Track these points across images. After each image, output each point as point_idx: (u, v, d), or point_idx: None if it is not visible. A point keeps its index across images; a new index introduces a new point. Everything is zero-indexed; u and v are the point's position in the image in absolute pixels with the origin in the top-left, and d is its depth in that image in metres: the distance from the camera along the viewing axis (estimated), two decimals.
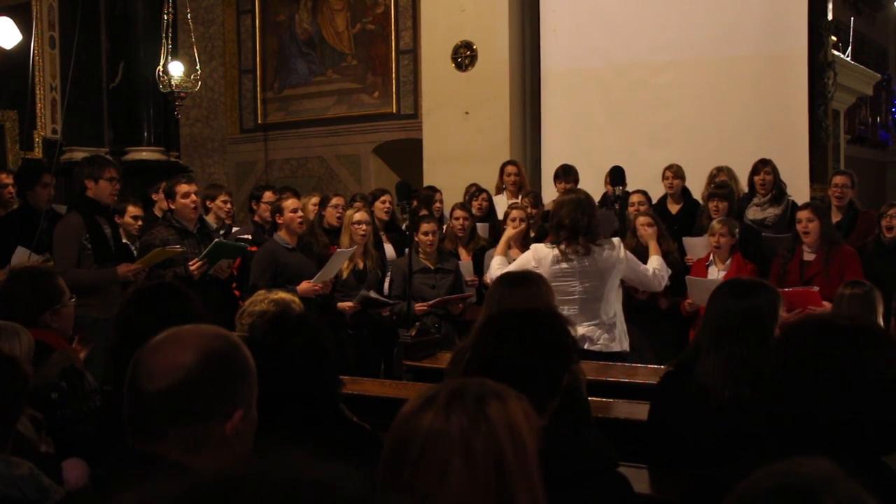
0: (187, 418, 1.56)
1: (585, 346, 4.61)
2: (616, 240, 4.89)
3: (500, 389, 1.40)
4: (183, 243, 5.49)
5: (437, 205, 7.50)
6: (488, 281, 5.91)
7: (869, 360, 1.65)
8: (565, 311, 4.62)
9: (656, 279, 5.02)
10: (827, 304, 5.12)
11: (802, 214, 5.61)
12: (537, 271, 4.56)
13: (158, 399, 1.55)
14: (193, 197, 5.64)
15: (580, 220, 4.62)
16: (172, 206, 5.66)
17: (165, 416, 1.56)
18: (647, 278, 4.98)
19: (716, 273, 5.73)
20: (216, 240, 5.63)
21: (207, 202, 7.38)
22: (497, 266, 5.15)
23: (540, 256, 4.71)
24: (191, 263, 5.34)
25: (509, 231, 5.90)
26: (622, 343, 4.78)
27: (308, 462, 0.79)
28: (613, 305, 4.77)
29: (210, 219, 7.21)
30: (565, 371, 2.15)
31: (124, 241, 6.13)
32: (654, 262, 5.10)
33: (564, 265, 4.62)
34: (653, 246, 5.44)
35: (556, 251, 4.66)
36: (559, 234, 4.66)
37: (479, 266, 6.40)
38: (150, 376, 1.57)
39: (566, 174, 7.40)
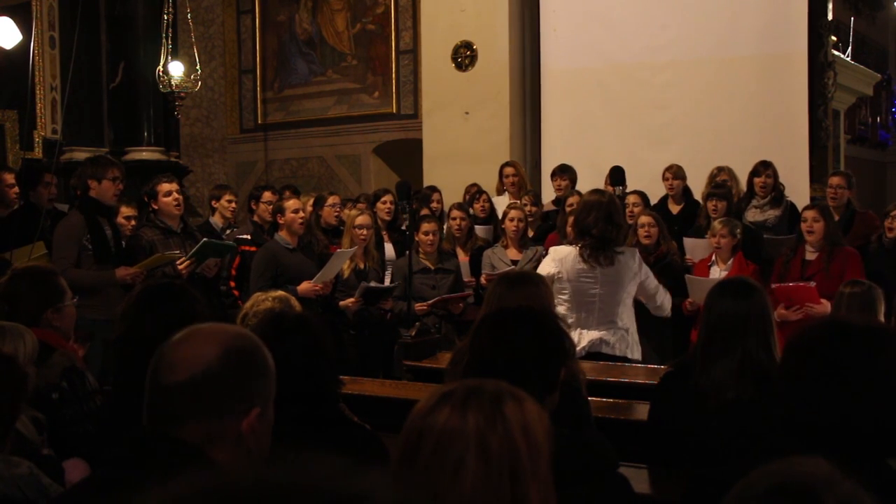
0: (205, 411, 1.59)
1: (602, 350, 4.59)
2: (636, 249, 4.86)
3: (516, 391, 1.41)
4: (167, 243, 5.52)
5: (435, 204, 7.51)
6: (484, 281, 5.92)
7: (882, 363, 1.66)
8: (583, 313, 4.61)
9: (664, 299, 4.92)
10: (825, 301, 5.13)
11: (808, 214, 5.63)
12: (558, 271, 4.55)
13: (179, 390, 1.59)
14: (175, 195, 5.67)
15: (609, 232, 4.55)
16: (155, 206, 5.69)
17: (184, 408, 1.59)
18: (657, 296, 4.88)
19: (718, 273, 5.73)
20: (204, 239, 5.66)
21: (213, 202, 7.40)
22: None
23: (561, 256, 4.64)
24: (178, 262, 5.37)
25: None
26: (634, 351, 4.73)
27: (342, 472, 0.78)
28: (629, 310, 4.74)
29: (216, 218, 7.24)
30: (560, 367, 2.15)
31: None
32: (660, 290, 5.01)
33: (587, 268, 4.58)
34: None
35: (577, 251, 4.60)
36: (584, 239, 4.58)
37: (477, 266, 6.41)
38: (172, 368, 1.60)
39: (563, 171, 7.43)
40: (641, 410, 3.35)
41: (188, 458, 1.53)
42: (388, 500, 0.78)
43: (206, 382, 1.58)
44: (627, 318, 4.72)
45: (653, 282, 4.83)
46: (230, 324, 1.77)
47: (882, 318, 4.28)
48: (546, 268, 4.72)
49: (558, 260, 4.62)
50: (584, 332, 4.60)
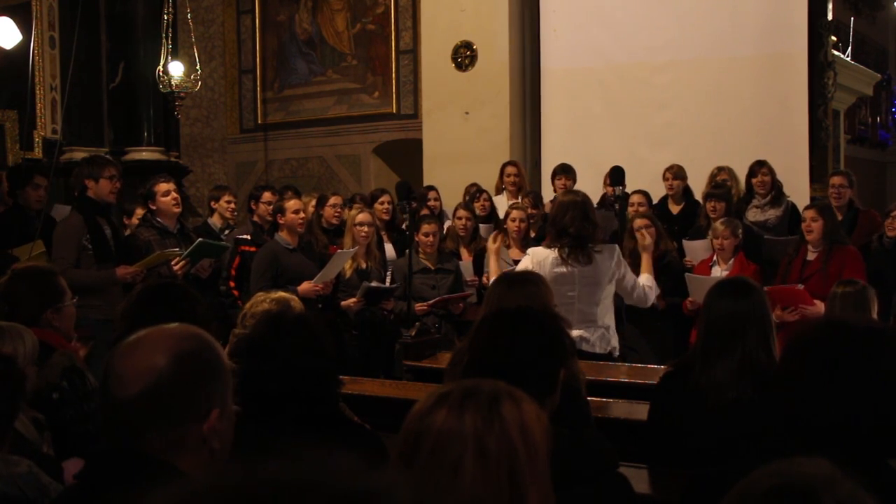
0: (163, 423, 1.53)
1: (582, 348, 4.60)
2: (615, 246, 4.86)
3: (513, 391, 1.41)
4: (164, 243, 5.53)
5: (433, 202, 7.51)
6: (487, 282, 5.90)
7: (880, 363, 1.65)
8: (562, 314, 4.61)
9: (641, 292, 4.82)
10: (819, 303, 5.14)
11: (807, 214, 5.64)
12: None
13: (132, 405, 1.52)
14: (174, 195, 5.68)
15: (586, 229, 4.57)
16: (153, 207, 5.71)
17: (140, 422, 1.53)
18: (634, 291, 4.80)
19: (719, 273, 5.73)
20: (199, 239, 5.66)
21: (212, 203, 7.40)
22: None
23: (539, 259, 4.65)
24: (173, 262, 5.38)
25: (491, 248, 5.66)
26: (611, 343, 4.75)
27: (358, 469, 0.78)
28: (609, 309, 4.76)
29: (215, 219, 7.25)
30: (560, 368, 2.15)
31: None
32: (644, 279, 4.91)
33: (564, 270, 4.59)
34: (646, 261, 5.11)
35: (555, 254, 4.62)
36: (562, 239, 4.61)
37: (480, 266, 6.41)
38: (123, 382, 1.53)
39: (565, 172, 7.42)
40: (641, 410, 3.35)
41: (155, 471, 1.48)
42: (403, 499, 0.78)
43: (161, 394, 1.52)
44: (607, 317, 4.73)
45: (631, 279, 4.81)
46: (179, 323, 1.68)
47: (876, 318, 4.27)
48: (523, 267, 4.72)
49: (536, 263, 4.63)
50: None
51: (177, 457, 1.53)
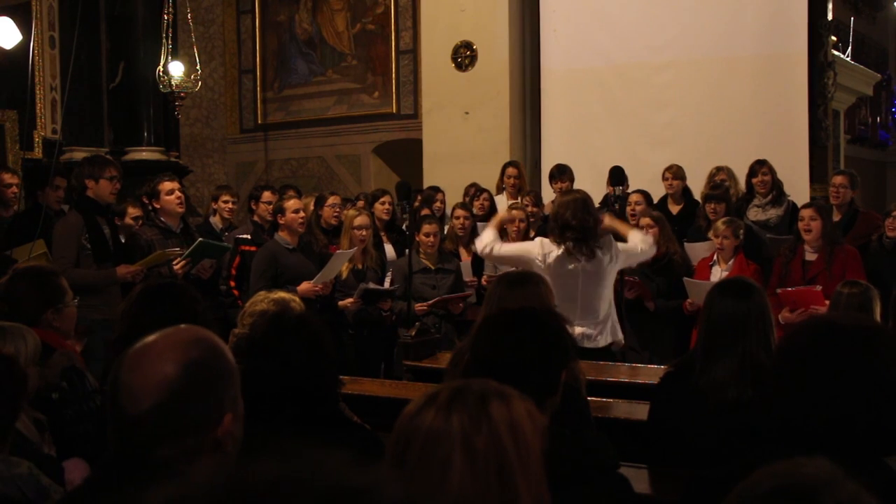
0: (177, 435, 1.50)
1: (584, 345, 4.65)
2: (609, 236, 4.90)
3: (504, 389, 1.40)
4: (167, 243, 5.51)
5: (438, 204, 7.52)
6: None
7: (872, 362, 1.65)
8: (566, 310, 4.64)
9: (645, 247, 4.97)
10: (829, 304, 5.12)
11: (805, 213, 5.62)
12: (540, 264, 4.63)
13: (145, 421, 1.49)
14: (178, 193, 5.67)
15: (587, 222, 4.67)
16: (157, 206, 5.69)
17: (154, 437, 1.50)
18: (638, 246, 4.94)
19: (719, 273, 5.72)
20: (200, 239, 5.65)
21: (213, 204, 7.41)
22: (488, 238, 4.95)
23: (547, 251, 4.75)
24: (174, 262, 5.37)
25: (502, 215, 5.78)
26: (614, 335, 4.84)
27: (348, 466, 0.78)
28: (609, 301, 4.86)
29: (216, 219, 7.25)
30: (562, 369, 2.14)
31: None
32: (636, 237, 5.01)
33: (570, 266, 4.68)
34: (622, 227, 5.18)
35: (561, 250, 4.69)
36: (565, 234, 4.68)
37: (479, 266, 6.40)
38: (133, 397, 1.50)
39: (561, 173, 7.43)
40: (641, 410, 3.35)
41: (163, 476, 1.46)
42: (394, 495, 0.78)
43: (174, 407, 1.49)
44: (610, 310, 4.84)
45: (628, 249, 4.88)
46: (183, 326, 1.64)
47: (879, 319, 4.26)
48: (528, 247, 4.83)
49: (544, 253, 4.72)
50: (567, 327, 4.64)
51: (191, 463, 1.51)
